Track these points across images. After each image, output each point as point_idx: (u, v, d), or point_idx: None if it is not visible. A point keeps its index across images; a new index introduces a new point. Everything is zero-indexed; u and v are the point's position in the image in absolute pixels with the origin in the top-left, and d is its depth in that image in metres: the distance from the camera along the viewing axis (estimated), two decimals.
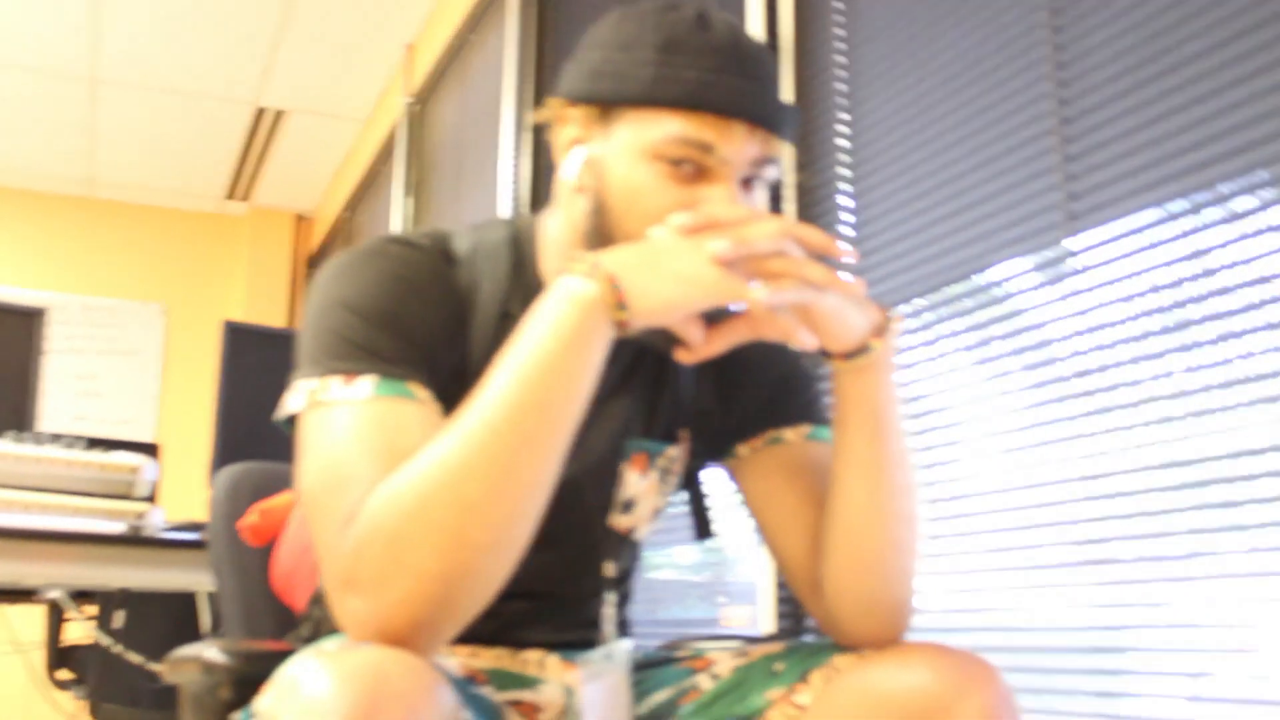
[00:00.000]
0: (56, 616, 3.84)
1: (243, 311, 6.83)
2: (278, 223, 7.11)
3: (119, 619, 3.18)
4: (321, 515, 0.99)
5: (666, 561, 2.85)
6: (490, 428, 0.95)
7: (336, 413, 1.03)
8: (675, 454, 1.29)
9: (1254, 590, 1.47)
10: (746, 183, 1.13)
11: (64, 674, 3.91)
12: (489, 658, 1.23)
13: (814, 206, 2.37)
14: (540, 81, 3.87)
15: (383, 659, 0.85)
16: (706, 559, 2.69)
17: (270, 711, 0.85)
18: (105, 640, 3.08)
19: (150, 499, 2.40)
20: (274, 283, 7.00)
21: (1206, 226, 1.57)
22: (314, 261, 7.02)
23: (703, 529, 1.37)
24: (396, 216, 5.06)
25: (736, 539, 2.54)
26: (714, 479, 1.38)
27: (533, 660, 1.24)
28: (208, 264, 7.01)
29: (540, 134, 3.76)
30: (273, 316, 6.85)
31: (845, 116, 2.33)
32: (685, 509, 1.38)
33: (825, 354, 1.12)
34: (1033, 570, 1.80)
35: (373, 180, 5.79)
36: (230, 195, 6.86)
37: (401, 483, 0.94)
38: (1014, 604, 1.84)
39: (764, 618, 2.27)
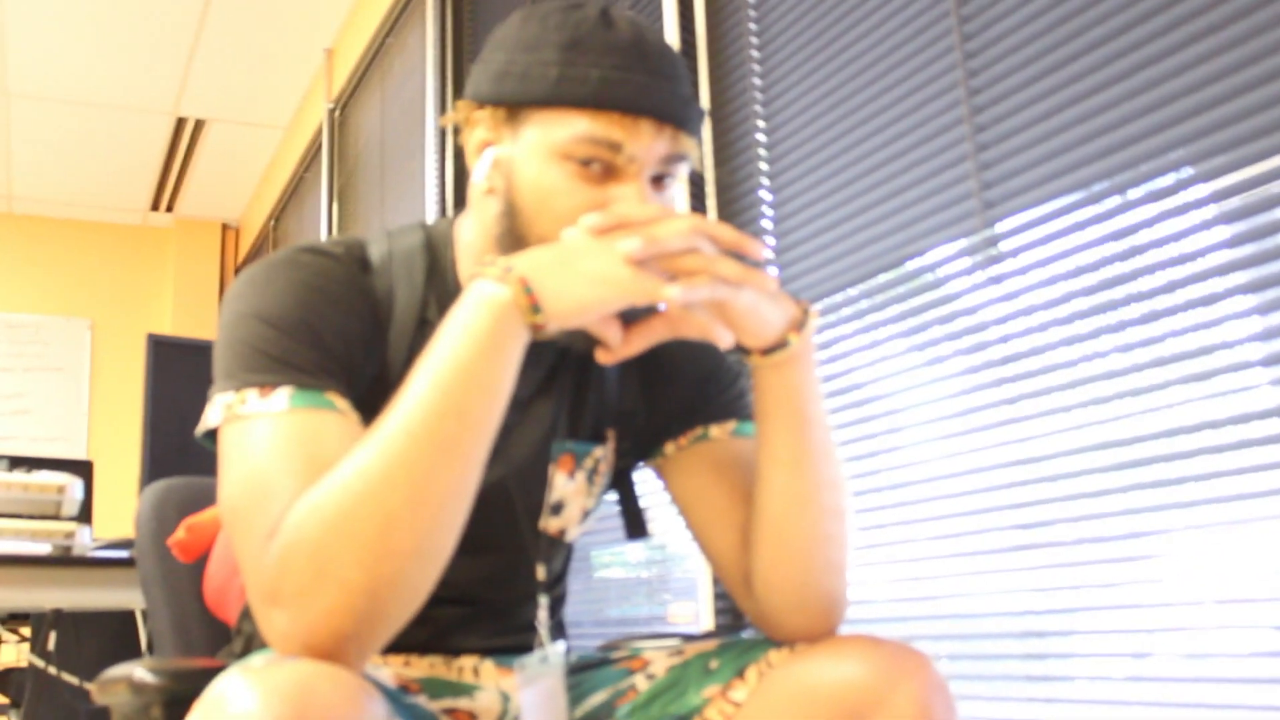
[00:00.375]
0: None
1: (171, 325, 6.76)
2: (203, 233, 7.04)
3: (52, 640, 3.13)
4: (243, 530, 0.97)
5: (613, 560, 2.85)
6: (409, 435, 0.94)
7: (254, 425, 1.02)
8: (602, 454, 1.29)
9: (1190, 566, 1.49)
10: (657, 181, 1.12)
11: (0, 698, 3.85)
12: (422, 666, 1.22)
13: (735, 204, 2.38)
14: (460, 83, 3.86)
15: (309, 673, 0.84)
16: (651, 556, 2.70)
17: None
18: (39, 662, 3.04)
19: (79, 518, 2.36)
20: (202, 294, 6.93)
21: (1122, 210, 1.59)
22: (241, 271, 6.95)
23: (635, 528, 1.36)
24: (323, 223, 5.02)
25: (677, 536, 2.55)
26: (645, 479, 1.38)
27: (467, 667, 1.23)
28: (134, 277, 6.92)
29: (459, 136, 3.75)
30: (201, 329, 6.78)
31: (761, 112, 2.34)
32: (618, 509, 1.38)
33: (743, 350, 1.12)
34: (971, 556, 1.81)
35: (297, 187, 5.74)
36: (154, 207, 6.77)
37: (322, 494, 0.93)
38: (953, 590, 1.85)
39: (705, 614, 2.28)
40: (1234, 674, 1.44)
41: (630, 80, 1.07)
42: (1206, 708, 1.45)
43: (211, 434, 1.09)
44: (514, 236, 1.11)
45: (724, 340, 1.07)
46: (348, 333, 1.11)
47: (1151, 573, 1.54)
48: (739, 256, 1.06)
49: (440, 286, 1.20)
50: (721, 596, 2.27)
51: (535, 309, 0.99)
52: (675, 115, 1.09)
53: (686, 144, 1.11)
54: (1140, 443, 1.55)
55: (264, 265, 1.13)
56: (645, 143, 1.08)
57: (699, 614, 2.39)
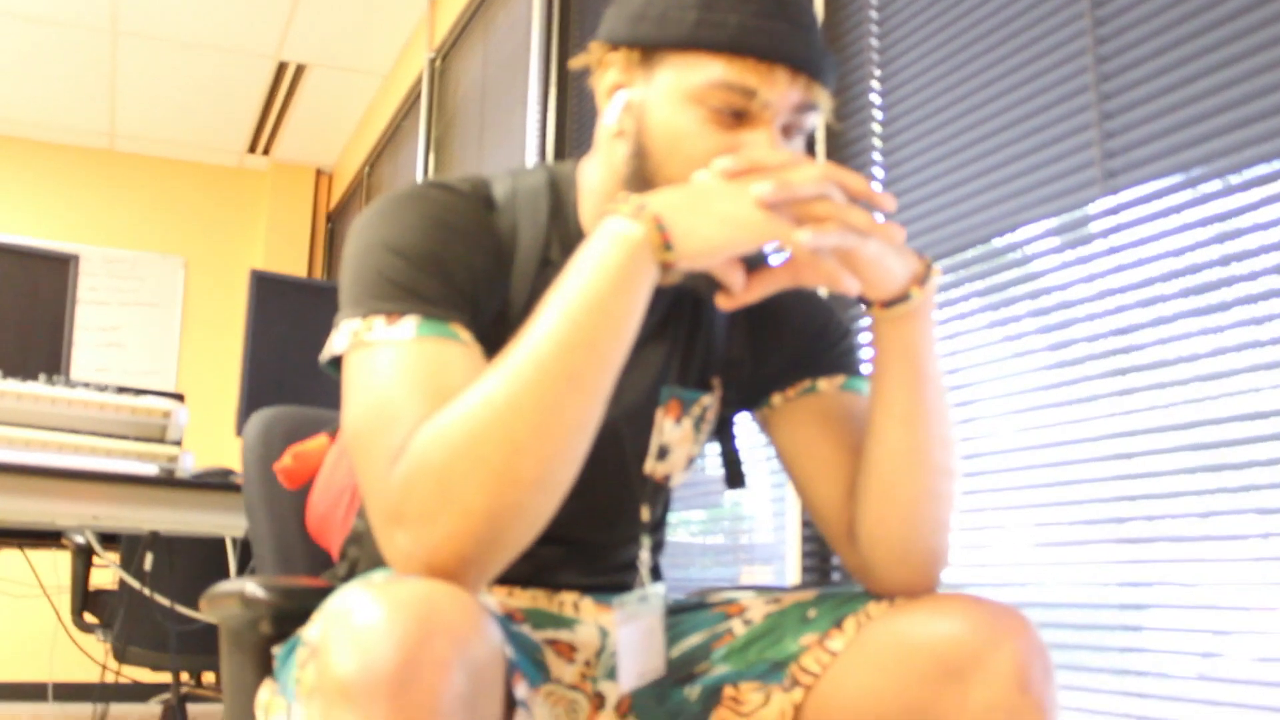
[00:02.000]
0: (83, 560, 3.88)
1: (262, 265, 6.84)
2: (298, 177, 7.11)
3: (146, 562, 3.21)
4: (368, 452, 1.00)
5: (680, 522, 2.86)
6: (538, 366, 0.96)
7: (381, 352, 1.04)
8: (709, 402, 1.30)
9: (1266, 552, 1.47)
10: (786, 130, 1.13)
11: (90, 618, 3.96)
12: (525, 598, 1.24)
13: (845, 161, 2.36)
14: (566, 36, 3.85)
15: (432, 591, 0.86)
16: (722, 518, 2.70)
17: (321, 640, 0.86)
18: (133, 583, 3.12)
19: (179, 443, 2.41)
20: (294, 237, 7.01)
21: (1236, 190, 1.56)
22: (333, 217, 7.03)
23: (734, 478, 1.37)
24: (418, 171, 5.06)
25: (755, 497, 2.55)
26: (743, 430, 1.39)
27: (568, 602, 1.26)
28: (228, 217, 7.02)
29: (566, 88, 3.75)
30: (292, 269, 6.87)
31: (877, 71, 2.32)
32: (717, 461, 1.39)
33: (865, 302, 1.13)
34: (1052, 537, 1.80)
35: (394, 135, 5.78)
36: (251, 150, 6.86)
37: (449, 420, 0.95)
38: (1033, 572, 1.84)
39: (789, 576, 2.28)
40: None
41: (768, 27, 1.07)
42: None
43: (335, 361, 1.11)
44: (643, 179, 1.12)
45: (851, 288, 1.07)
46: (473, 267, 1.13)
47: (1229, 553, 1.52)
48: (865, 207, 1.06)
49: (562, 227, 1.21)
50: (810, 555, 2.27)
51: (667, 247, 1.00)
52: (810, 64, 1.09)
53: (819, 94, 1.12)
54: (1230, 424, 1.52)
55: (393, 198, 1.16)
56: (780, 90, 1.08)
57: (775, 579, 2.40)
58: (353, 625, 0.84)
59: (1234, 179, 1.56)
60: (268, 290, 2.98)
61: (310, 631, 0.93)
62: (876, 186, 2.27)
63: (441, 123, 5.02)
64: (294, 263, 6.92)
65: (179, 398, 2.46)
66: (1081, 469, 1.75)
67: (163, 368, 6.68)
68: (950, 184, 2.08)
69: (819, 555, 2.27)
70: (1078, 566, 1.76)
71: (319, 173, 7.20)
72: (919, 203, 2.15)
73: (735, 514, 2.66)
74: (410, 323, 1.05)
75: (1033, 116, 1.91)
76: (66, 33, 5.43)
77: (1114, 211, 1.73)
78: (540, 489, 0.96)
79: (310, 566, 1.52)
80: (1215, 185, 1.59)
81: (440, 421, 0.96)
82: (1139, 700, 1.63)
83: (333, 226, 7.03)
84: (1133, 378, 1.68)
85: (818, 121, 1.15)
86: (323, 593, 1.18)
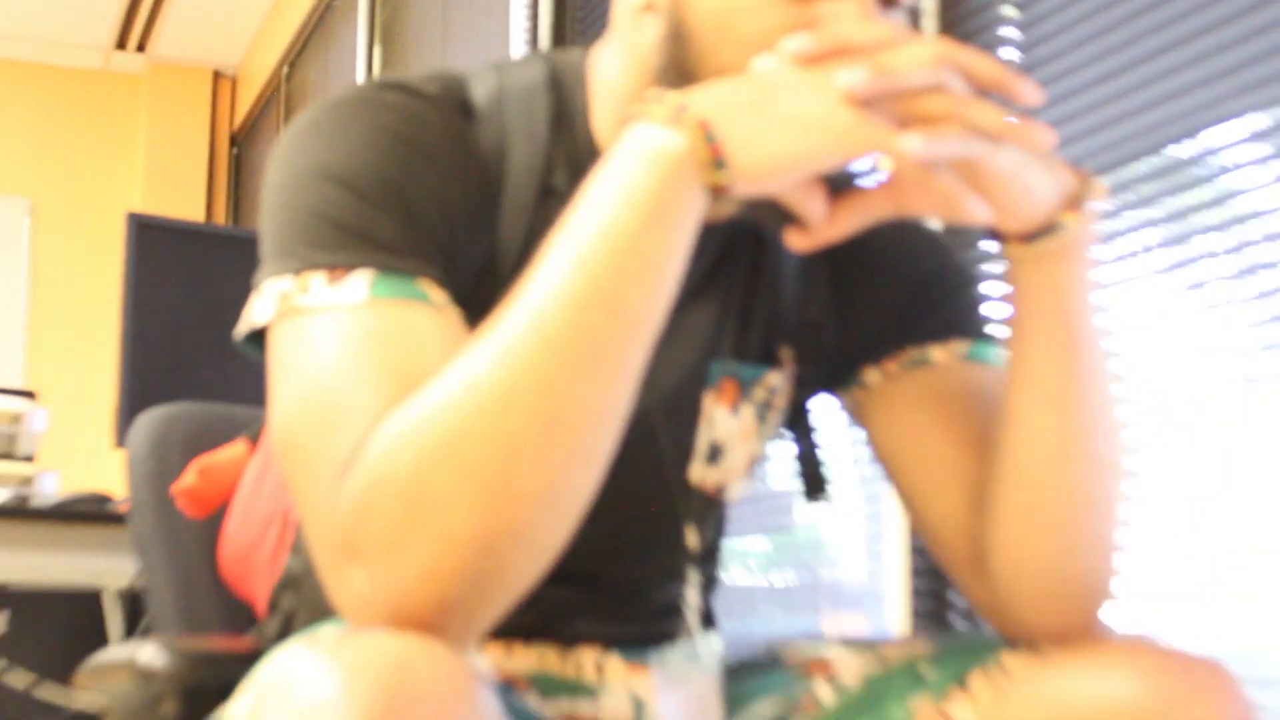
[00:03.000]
0: None
1: (141, 206, 6.85)
2: (188, 82, 7.14)
3: (1, 623, 3.24)
4: (306, 462, 1.00)
5: (738, 553, 2.86)
6: (541, 336, 0.95)
7: (321, 322, 1.04)
8: (777, 382, 1.30)
9: None
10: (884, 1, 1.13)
11: None
12: (529, 658, 1.25)
13: (969, 43, 2.36)
14: None
15: (403, 650, 0.86)
16: (796, 547, 2.70)
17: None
18: None
19: (31, 459, 2.43)
20: (184, 166, 7.03)
21: None
22: (239, 138, 7.05)
23: (814, 487, 1.38)
24: (359, 72, 5.06)
25: (843, 514, 2.55)
26: (827, 417, 1.40)
27: (588, 662, 1.26)
28: (91, 141, 7.05)
29: None
30: (184, 213, 6.88)
31: None
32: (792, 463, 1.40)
33: (998, 236, 1.12)
34: (1258, 564, 1.80)
35: (321, 23, 5.79)
36: (120, 45, 6.87)
37: (418, 415, 0.95)
38: (1231, 610, 1.84)
39: (893, 624, 2.29)
40: None
41: None
42: None
43: (258, 336, 1.11)
44: (682, 70, 1.12)
45: (979, 215, 1.06)
46: (447, 200, 1.13)
47: None
48: (998, 101, 1.06)
49: (569, 142, 1.21)
50: (923, 595, 2.28)
51: (719, 164, 0.99)
52: None
53: None
54: None
55: (331, 106, 1.15)
56: None
57: (874, 628, 2.41)
58: (296, 698, 0.84)
59: None
60: (151, 241, 2.98)
61: (236, 709, 0.94)
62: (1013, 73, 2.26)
63: (389, 4, 5.03)
64: (186, 202, 6.94)
65: (29, 395, 2.47)
66: None
67: (4, 354, 6.71)
68: (1112, 73, 2.08)
69: (934, 595, 2.27)
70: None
71: (217, 76, 7.22)
72: (1069, 98, 2.15)
73: (814, 540, 2.66)
74: (362, 279, 1.05)
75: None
76: None
77: None
78: (547, 506, 0.96)
79: (227, 622, 1.54)
80: None
81: (406, 418, 0.95)
82: None
83: (239, 151, 7.05)
84: None
85: None
86: (248, 658, 1.20)
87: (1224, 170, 1.91)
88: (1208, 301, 1.91)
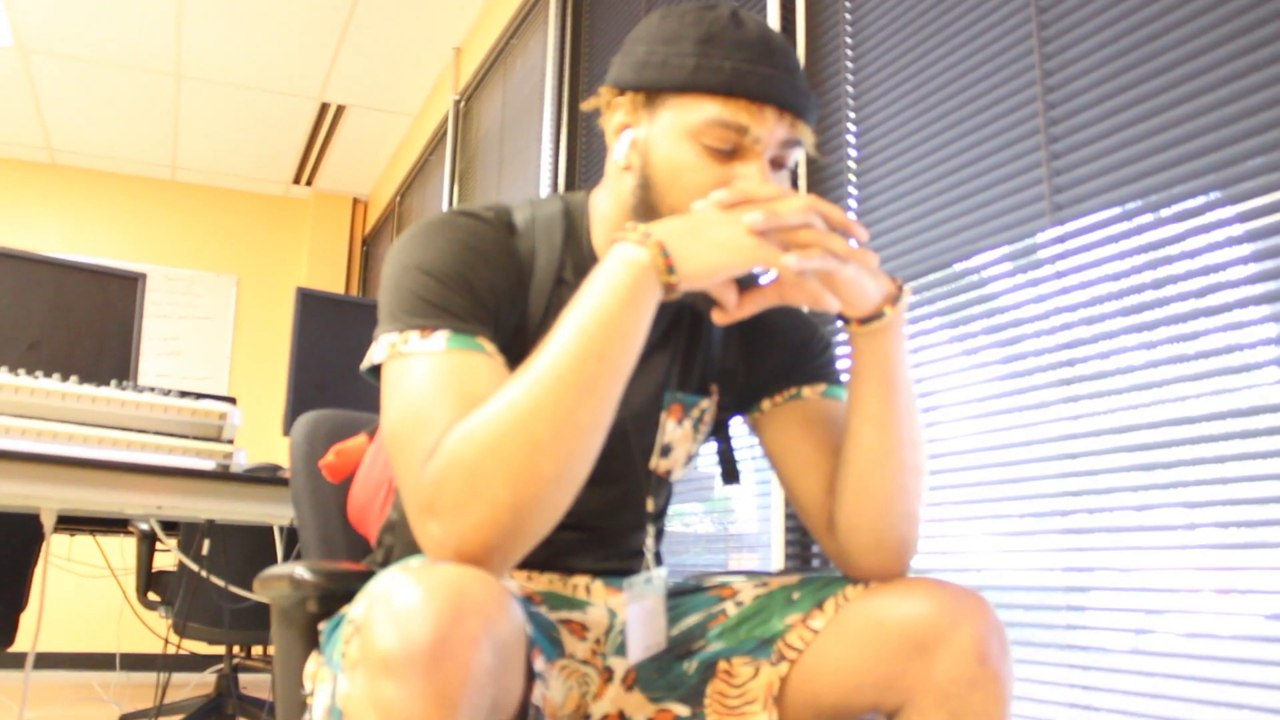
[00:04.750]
0: (148, 545, 3.87)
1: (306, 283, 6.83)
2: (337, 205, 7.11)
3: (204, 547, 3.20)
4: (404, 451, 0.99)
5: (677, 513, 2.85)
6: (556, 375, 0.95)
7: (415, 362, 1.03)
8: (707, 406, 1.29)
9: (1192, 541, 1.47)
10: (774, 163, 1.12)
11: (153, 596, 3.95)
12: (543, 582, 1.24)
13: (824, 191, 2.36)
14: (576, 81, 3.86)
15: (463, 575, 0.85)
16: (714, 510, 2.69)
17: (364, 619, 0.86)
18: (191, 565, 3.11)
19: (232, 442, 2.41)
20: (333, 258, 7.01)
21: (1166, 222, 1.56)
22: (368, 241, 7.02)
23: (729, 474, 1.37)
24: (444, 201, 5.06)
25: (744, 493, 2.54)
26: (737, 429, 1.38)
27: (581, 585, 1.25)
28: (276, 241, 7.02)
29: (576, 128, 3.75)
30: (332, 288, 6.87)
31: (852, 113, 2.32)
32: (713, 459, 1.38)
33: (844, 318, 1.12)
34: (1006, 528, 1.79)
35: (422, 168, 5.78)
36: (296, 181, 6.86)
37: (477, 422, 0.95)
38: (989, 559, 1.83)
39: (774, 562, 2.27)
40: (1230, 654, 1.41)
41: (758, 72, 1.07)
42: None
43: (375, 369, 1.10)
44: (647, 207, 1.12)
45: (832, 306, 1.06)
46: (496, 287, 1.12)
47: (1158, 543, 1.52)
48: (844, 236, 1.06)
49: (575, 250, 1.20)
50: (792, 544, 2.27)
51: (670, 269, 1.00)
52: (795, 105, 1.09)
53: (803, 131, 1.11)
54: (1159, 428, 1.52)
55: (425, 225, 1.15)
56: (769, 127, 1.08)
57: (761, 564, 2.39)
58: (393, 606, 0.83)
59: (1165, 212, 1.56)
60: (311, 306, 2.97)
61: (355, 610, 0.92)
62: (852, 216, 2.26)
63: (465, 157, 5.02)
64: (333, 281, 6.92)
65: (232, 401, 2.45)
66: (1031, 468, 1.75)
67: (216, 374, 6.67)
68: (916, 214, 2.08)
69: (801, 544, 2.26)
70: (1028, 554, 1.76)
71: (355, 201, 7.20)
72: (889, 230, 2.15)
73: (726, 506, 2.65)
74: (441, 336, 1.04)
75: (989, 156, 1.91)
76: (136, 76, 5.44)
77: (1060, 240, 1.73)
78: (558, 484, 0.95)
79: (350, 552, 1.52)
80: (1148, 218, 1.59)
81: (469, 424, 0.95)
82: (1081, 672, 1.62)
83: (367, 249, 7.02)
84: (1076, 387, 1.68)
85: (801, 155, 1.15)
86: (363, 576, 1.18)
87: (987, 279, 1.91)
88: (975, 363, 1.91)
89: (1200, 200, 1.50)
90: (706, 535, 2.73)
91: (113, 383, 2.21)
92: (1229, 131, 1.47)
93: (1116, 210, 1.63)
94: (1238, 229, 1.45)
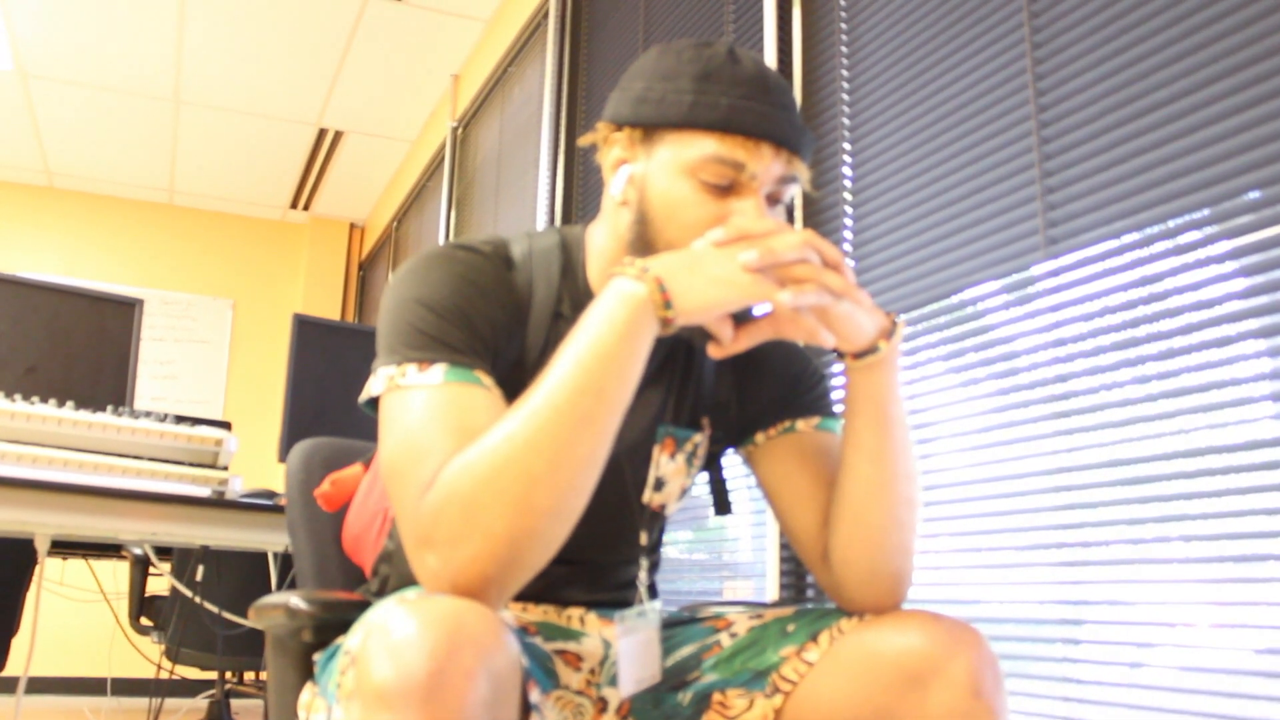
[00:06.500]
0: (141, 570, 3.86)
1: (302, 308, 6.84)
2: (334, 231, 7.13)
3: (198, 573, 3.19)
4: (402, 483, 0.99)
5: (672, 541, 2.85)
6: (553, 408, 0.95)
7: (413, 395, 1.03)
8: (699, 439, 1.29)
9: (1188, 574, 1.47)
10: (770, 198, 1.13)
11: (146, 621, 3.93)
12: (538, 613, 1.24)
13: (819, 226, 2.37)
14: (573, 110, 3.88)
15: (459, 608, 0.85)
16: (709, 539, 2.68)
17: (361, 649, 0.86)
18: (185, 591, 3.10)
19: (227, 468, 2.41)
20: (330, 283, 7.02)
21: (1159, 256, 1.57)
22: (365, 266, 7.03)
23: (722, 505, 1.37)
24: (441, 227, 5.07)
25: (739, 521, 2.54)
26: (730, 462, 1.39)
27: (575, 616, 1.25)
28: (272, 265, 7.03)
29: (573, 156, 3.77)
30: (329, 313, 6.87)
31: (848, 147, 2.33)
32: (706, 489, 1.38)
33: (838, 353, 1.13)
34: (1001, 560, 1.79)
35: (419, 195, 5.80)
36: (293, 205, 6.88)
37: (474, 455, 0.95)
38: (984, 591, 1.83)
39: (769, 592, 2.27)
40: (1226, 688, 1.41)
41: (755, 109, 1.08)
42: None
43: (373, 401, 1.10)
44: (644, 242, 1.12)
45: (826, 341, 1.07)
46: (494, 320, 1.12)
47: (1153, 574, 1.52)
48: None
49: (572, 284, 1.21)
50: (787, 574, 2.27)
51: (667, 305, 1.00)
52: (791, 141, 1.10)
53: (799, 167, 1.12)
54: (1155, 461, 1.53)
55: (424, 258, 1.15)
56: (765, 163, 1.09)
57: (756, 592, 2.38)
58: (390, 638, 0.83)
59: (1159, 245, 1.57)
60: (308, 332, 2.97)
61: (351, 641, 0.92)
62: (848, 249, 2.28)
63: (462, 184, 5.04)
64: (329, 306, 6.92)
65: (227, 426, 2.45)
66: (1027, 499, 1.75)
67: (211, 398, 6.67)
68: (912, 247, 2.09)
69: (795, 574, 2.26)
70: (1023, 586, 1.76)
71: (352, 227, 7.21)
72: (885, 264, 2.15)
73: (721, 535, 2.65)
74: (439, 369, 1.04)
75: (984, 190, 1.92)
76: (135, 101, 5.46)
77: (1055, 273, 1.74)
78: (555, 517, 0.95)
79: (345, 580, 1.51)
80: (1143, 251, 1.60)
81: (466, 457, 0.95)
82: (1077, 705, 1.62)
83: (364, 275, 7.03)
84: (1072, 419, 1.69)
85: (797, 190, 1.16)
86: (359, 606, 1.18)
87: (983, 312, 1.92)
88: (971, 394, 1.91)
89: (1196, 234, 1.52)
90: (701, 562, 2.73)
91: (109, 408, 2.21)
92: (1225, 166, 1.48)
93: (1112, 243, 1.64)
94: (1232, 263, 1.47)
